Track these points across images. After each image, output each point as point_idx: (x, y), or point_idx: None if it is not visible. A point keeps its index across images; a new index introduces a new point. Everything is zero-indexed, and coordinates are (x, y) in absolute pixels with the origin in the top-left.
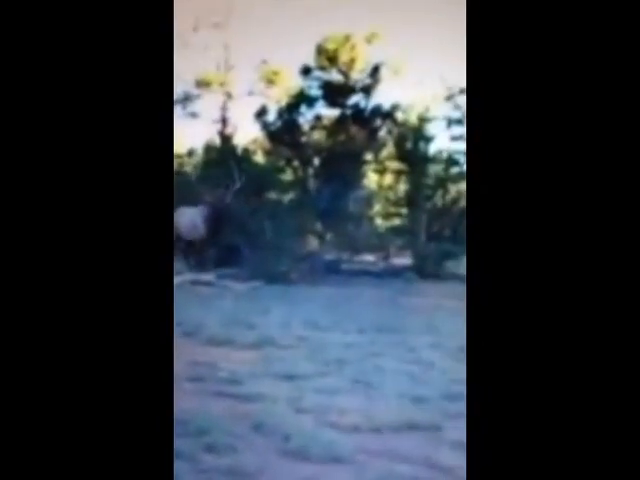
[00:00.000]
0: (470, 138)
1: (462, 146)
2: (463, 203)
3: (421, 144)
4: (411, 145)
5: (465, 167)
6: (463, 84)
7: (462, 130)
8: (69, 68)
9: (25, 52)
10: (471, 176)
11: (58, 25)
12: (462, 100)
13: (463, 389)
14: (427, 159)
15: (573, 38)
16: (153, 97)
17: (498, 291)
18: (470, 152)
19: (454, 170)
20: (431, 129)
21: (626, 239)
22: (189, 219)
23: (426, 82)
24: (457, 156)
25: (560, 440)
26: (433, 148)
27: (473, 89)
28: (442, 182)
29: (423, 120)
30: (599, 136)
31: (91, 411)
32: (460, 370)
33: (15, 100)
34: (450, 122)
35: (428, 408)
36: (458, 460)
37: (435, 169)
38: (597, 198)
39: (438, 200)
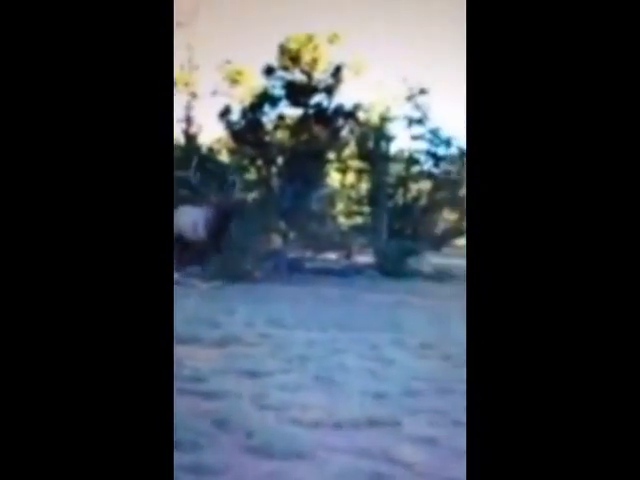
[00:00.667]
0: (470, 137)
1: (422, 145)
2: (424, 201)
3: (382, 143)
4: (372, 144)
5: (425, 166)
6: (423, 84)
7: (422, 130)
8: (71, 68)
9: (14, 53)
10: (471, 176)
11: (57, 23)
12: (422, 100)
13: (423, 385)
14: (388, 158)
15: (572, 37)
16: (152, 94)
17: (498, 292)
18: (470, 152)
19: (415, 169)
20: (392, 129)
21: (626, 238)
22: (190, 219)
23: (387, 82)
24: (417, 155)
25: (560, 441)
26: (394, 147)
27: (473, 89)
28: (403, 181)
29: (384, 120)
30: (598, 136)
31: (91, 411)
32: (420, 366)
33: (11, 102)
34: (411, 122)
35: (388, 404)
36: (417, 455)
37: (396, 168)
38: (596, 198)
39: (399, 198)
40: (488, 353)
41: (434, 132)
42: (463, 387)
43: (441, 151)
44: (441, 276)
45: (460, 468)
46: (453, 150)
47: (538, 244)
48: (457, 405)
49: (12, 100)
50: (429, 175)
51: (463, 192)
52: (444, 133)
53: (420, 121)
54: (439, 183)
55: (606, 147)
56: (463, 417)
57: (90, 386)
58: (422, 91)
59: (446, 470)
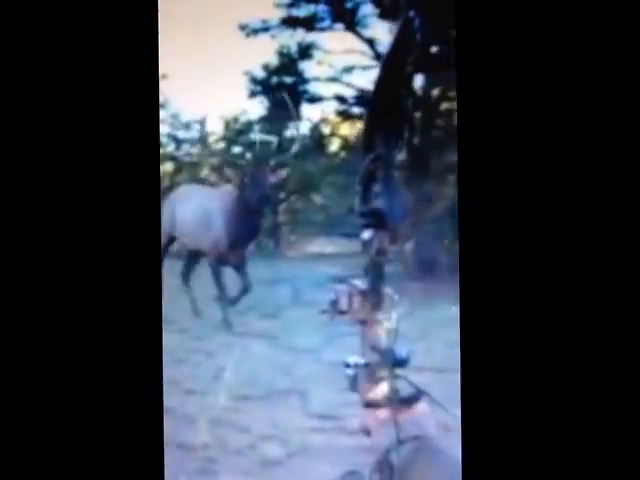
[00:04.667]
0: (461, 133)
1: (165, 129)
2: (166, 182)
3: None
4: None
5: (167, 149)
6: (163, 70)
7: (164, 114)
8: (64, 66)
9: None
10: (462, 177)
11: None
12: (163, 86)
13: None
14: None
15: (569, 37)
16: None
17: (492, 292)
18: (461, 150)
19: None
20: None
21: (625, 236)
22: (197, 210)
23: None
24: (160, 138)
25: (560, 443)
26: None
27: (463, 88)
28: None
29: None
30: (595, 135)
31: (80, 411)
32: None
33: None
34: None
35: None
36: None
37: None
38: (595, 196)
39: None
40: (482, 354)
41: (174, 116)
42: (195, 358)
43: (181, 135)
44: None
45: (191, 434)
46: (193, 134)
47: (534, 244)
48: (188, 375)
49: (5, 98)
50: (171, 158)
51: (204, 173)
52: (183, 117)
53: (162, 105)
54: (180, 165)
55: (604, 145)
56: (193, 385)
57: (78, 390)
58: (163, 76)
59: (178, 436)
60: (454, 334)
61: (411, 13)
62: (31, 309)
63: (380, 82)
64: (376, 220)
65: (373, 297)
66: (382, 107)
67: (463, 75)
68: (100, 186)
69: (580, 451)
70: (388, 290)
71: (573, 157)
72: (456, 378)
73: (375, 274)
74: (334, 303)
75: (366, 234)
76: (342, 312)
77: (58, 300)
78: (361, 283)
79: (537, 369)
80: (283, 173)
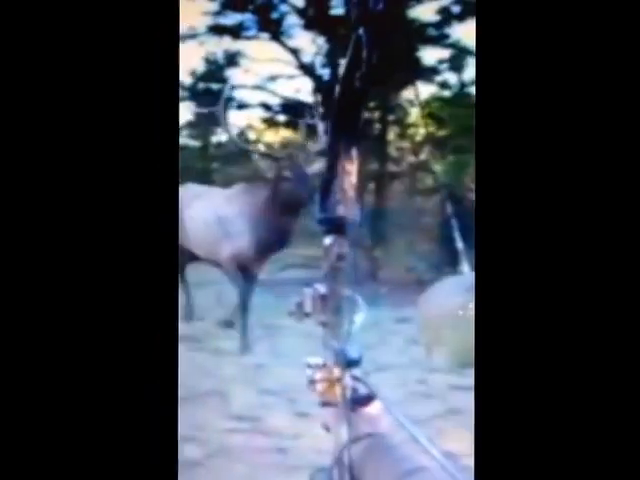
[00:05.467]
0: (479, 137)
1: None
2: None
3: None
4: None
5: None
6: None
7: None
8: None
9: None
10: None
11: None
12: None
13: None
14: None
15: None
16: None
17: (508, 293)
18: (479, 152)
19: None
20: None
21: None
22: (211, 215)
23: None
24: None
25: (567, 444)
26: None
27: (482, 92)
28: None
29: None
30: (608, 139)
31: (89, 416)
32: None
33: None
34: None
35: None
36: None
37: None
38: (606, 199)
39: None
40: (497, 357)
41: None
42: None
43: None
44: None
45: None
46: None
47: (548, 247)
48: None
49: (13, 98)
50: None
51: None
52: None
53: None
54: None
55: (617, 150)
56: None
57: (86, 395)
58: None
59: None
60: (370, 337)
61: (360, 30)
62: (31, 309)
63: (340, 97)
64: (336, 226)
65: (333, 300)
66: (343, 120)
67: (482, 84)
68: (103, 188)
69: (598, 457)
70: (350, 293)
71: (592, 163)
72: (375, 379)
73: (335, 278)
74: (300, 305)
75: (327, 240)
76: (307, 314)
77: (61, 305)
78: (322, 287)
79: (555, 374)
80: (319, 165)
